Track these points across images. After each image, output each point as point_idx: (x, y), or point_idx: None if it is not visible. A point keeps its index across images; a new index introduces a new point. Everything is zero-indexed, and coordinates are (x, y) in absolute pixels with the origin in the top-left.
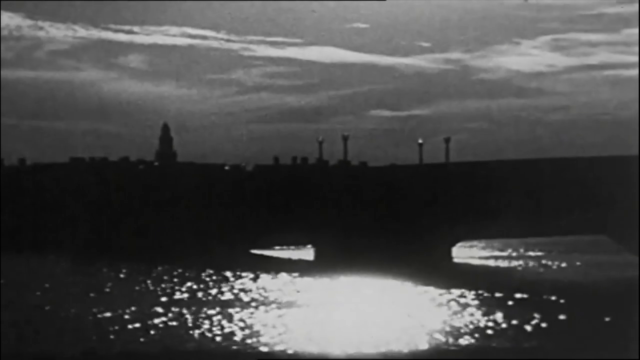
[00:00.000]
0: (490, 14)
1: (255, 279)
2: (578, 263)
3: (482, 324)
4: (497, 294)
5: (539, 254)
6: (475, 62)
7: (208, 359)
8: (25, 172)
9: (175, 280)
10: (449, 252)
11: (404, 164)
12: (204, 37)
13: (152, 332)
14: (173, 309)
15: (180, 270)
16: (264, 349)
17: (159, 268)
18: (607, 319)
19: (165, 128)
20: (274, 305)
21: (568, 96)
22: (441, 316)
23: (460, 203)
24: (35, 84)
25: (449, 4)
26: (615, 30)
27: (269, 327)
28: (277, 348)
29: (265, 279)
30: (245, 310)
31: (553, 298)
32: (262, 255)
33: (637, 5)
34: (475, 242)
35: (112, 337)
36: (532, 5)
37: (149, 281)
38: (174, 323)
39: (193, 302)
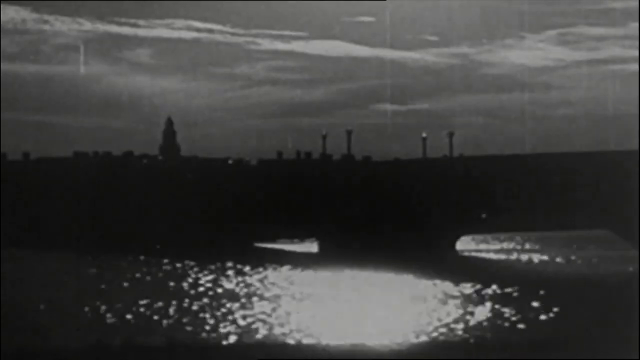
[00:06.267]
0: (496, 8)
1: (258, 273)
2: (581, 257)
3: (484, 318)
4: (500, 288)
5: (542, 248)
6: (480, 56)
7: (211, 352)
8: (29, 166)
9: (179, 273)
10: (453, 246)
11: (407, 158)
12: (210, 31)
13: (155, 326)
14: (177, 302)
15: (183, 264)
16: (266, 341)
17: (163, 262)
18: (608, 316)
19: (169, 122)
20: (277, 299)
21: (574, 91)
22: (444, 309)
23: (464, 197)
24: (39, 78)
25: None
26: (622, 25)
27: (271, 320)
28: (280, 341)
29: (268, 272)
30: (249, 304)
31: (555, 293)
32: (265, 249)
33: (638, 1)
34: (478, 236)
35: (115, 331)
36: None
37: (151, 275)
38: (178, 316)
39: (196, 296)
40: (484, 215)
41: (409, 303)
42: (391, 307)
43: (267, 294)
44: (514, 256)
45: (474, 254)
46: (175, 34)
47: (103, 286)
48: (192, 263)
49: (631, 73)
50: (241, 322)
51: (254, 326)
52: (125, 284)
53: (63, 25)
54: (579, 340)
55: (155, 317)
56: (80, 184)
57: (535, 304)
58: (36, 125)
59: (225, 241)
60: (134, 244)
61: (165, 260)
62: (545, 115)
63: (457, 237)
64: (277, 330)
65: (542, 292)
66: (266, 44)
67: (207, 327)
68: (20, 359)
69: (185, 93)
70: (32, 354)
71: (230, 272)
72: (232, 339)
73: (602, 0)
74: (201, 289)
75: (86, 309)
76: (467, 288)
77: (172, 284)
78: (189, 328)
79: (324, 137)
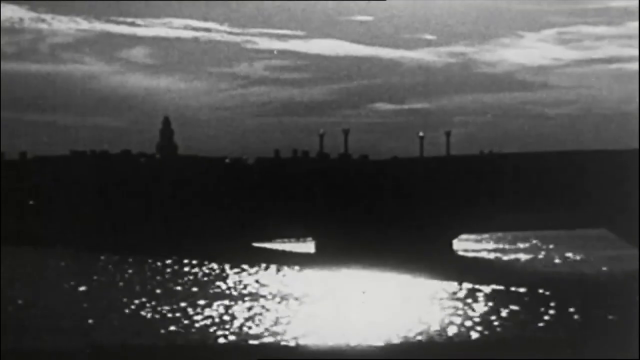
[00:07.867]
0: (494, 6)
1: (256, 272)
2: (579, 257)
3: (481, 317)
4: (497, 287)
5: (540, 247)
6: (478, 55)
7: (208, 353)
8: (26, 165)
9: (176, 273)
10: (450, 245)
11: (405, 157)
12: (207, 30)
13: (152, 325)
14: (174, 302)
15: (181, 263)
16: (264, 342)
17: (160, 261)
18: (607, 314)
19: (167, 121)
20: (274, 298)
21: (572, 90)
22: (441, 309)
23: (461, 196)
24: (37, 77)
25: None
26: (620, 24)
27: (269, 320)
28: (278, 341)
29: (266, 272)
30: (246, 304)
31: (553, 292)
32: (262, 248)
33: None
34: (476, 235)
35: (113, 331)
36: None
37: (149, 274)
38: (175, 316)
39: (194, 296)
40: (481, 214)
41: (406, 302)
42: (388, 306)
43: (263, 294)
44: (511, 255)
45: (471, 253)
46: (173, 33)
47: (99, 286)
48: (188, 262)
49: (629, 72)
50: (238, 322)
51: (250, 326)
52: (122, 283)
53: (60, 25)
54: (579, 340)
55: (153, 317)
56: (77, 183)
57: (533, 303)
58: (33, 124)
59: (222, 241)
60: (130, 242)
61: (162, 259)
62: (543, 114)
63: (455, 236)
64: (274, 330)
65: (540, 292)
66: (264, 43)
67: (204, 328)
68: (19, 359)
69: (183, 92)
70: (32, 354)
71: (226, 272)
72: (229, 339)
73: None
74: (198, 288)
75: (83, 309)
76: (465, 287)
77: (168, 283)
78: (186, 328)
79: (321, 136)
